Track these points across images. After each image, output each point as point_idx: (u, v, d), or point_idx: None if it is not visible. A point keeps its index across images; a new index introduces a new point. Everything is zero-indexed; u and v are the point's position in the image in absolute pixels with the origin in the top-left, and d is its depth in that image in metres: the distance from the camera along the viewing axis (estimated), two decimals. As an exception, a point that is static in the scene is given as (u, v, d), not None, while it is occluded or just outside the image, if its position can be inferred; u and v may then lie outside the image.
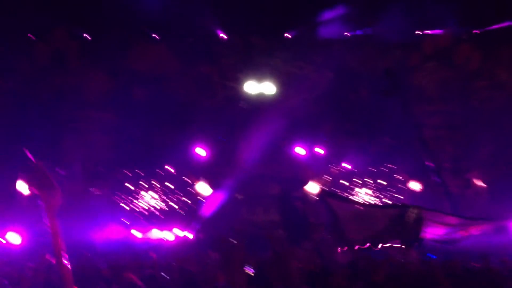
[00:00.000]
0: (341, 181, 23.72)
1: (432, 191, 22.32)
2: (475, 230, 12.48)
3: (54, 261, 4.10)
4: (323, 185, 22.95)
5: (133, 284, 9.16)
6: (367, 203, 21.22)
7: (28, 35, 22.69)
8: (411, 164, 23.92)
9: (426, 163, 22.11)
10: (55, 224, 3.47)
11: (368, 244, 11.58)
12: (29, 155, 3.49)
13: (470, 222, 12.82)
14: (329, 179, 23.62)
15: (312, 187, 22.73)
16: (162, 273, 11.85)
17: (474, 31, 23.49)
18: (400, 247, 11.82)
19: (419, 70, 23.59)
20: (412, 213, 10.82)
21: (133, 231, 20.35)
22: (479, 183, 23.21)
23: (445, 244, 12.65)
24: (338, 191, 22.81)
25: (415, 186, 23.36)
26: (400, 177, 24.03)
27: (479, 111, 23.47)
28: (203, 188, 22.95)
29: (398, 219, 10.99)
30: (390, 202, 22.34)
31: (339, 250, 12.06)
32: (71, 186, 21.90)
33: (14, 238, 16.61)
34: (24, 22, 21.31)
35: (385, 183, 24.01)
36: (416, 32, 23.67)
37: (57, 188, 3.54)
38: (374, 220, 11.36)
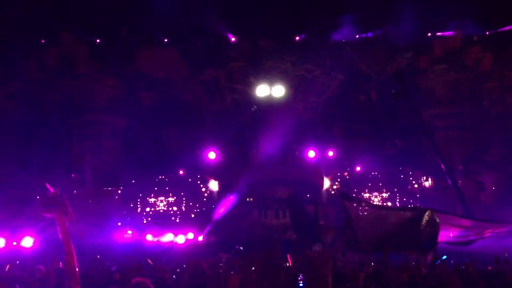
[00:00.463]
0: (352, 183, 23.67)
1: (444, 194, 22.20)
2: (488, 232, 12.38)
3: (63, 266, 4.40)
4: (334, 188, 22.92)
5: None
6: (381, 205, 21.12)
7: (38, 39, 22.77)
8: (422, 166, 23.85)
9: (439, 165, 22.02)
10: (67, 239, 4.12)
11: (384, 249, 11.47)
12: (48, 186, 3.89)
13: (482, 224, 12.71)
14: (340, 182, 23.58)
15: (323, 190, 22.70)
16: (174, 276, 11.82)
17: (484, 33, 23.37)
18: (418, 252, 11.71)
19: (429, 72, 23.50)
20: (428, 217, 10.68)
21: (146, 235, 20.34)
22: (491, 185, 23.08)
23: (458, 246, 12.56)
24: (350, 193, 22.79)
25: (426, 188, 23.28)
26: (412, 180, 23.96)
27: (489, 113, 23.36)
28: (214, 191, 22.97)
29: (413, 223, 10.87)
30: (403, 205, 22.20)
31: (352, 253, 12.00)
32: (83, 190, 21.98)
33: (26, 241, 16.65)
34: (34, 26, 21.40)
35: (396, 186, 23.95)
36: (426, 34, 23.58)
37: (71, 213, 4.04)
38: (388, 223, 11.25)
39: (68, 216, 4.13)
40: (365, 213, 12.09)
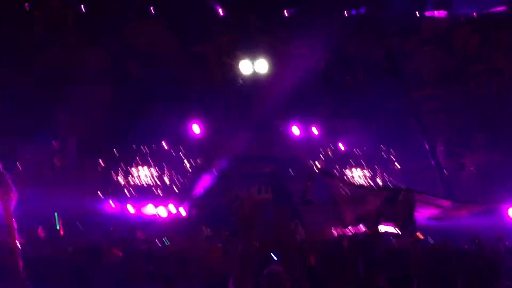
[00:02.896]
0: (335, 162, 23.78)
1: (427, 174, 22.41)
2: (466, 212, 12.56)
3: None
4: (317, 165, 23.02)
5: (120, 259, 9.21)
6: (361, 184, 21.28)
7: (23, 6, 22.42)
8: (406, 146, 24.00)
9: (422, 145, 22.17)
10: (10, 217, 4.17)
11: (361, 225, 11.65)
12: None
13: (461, 205, 12.89)
14: (323, 160, 23.67)
15: (307, 167, 22.78)
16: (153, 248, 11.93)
17: (472, 15, 23.32)
18: (394, 230, 11.89)
19: (416, 54, 23.47)
20: (405, 196, 10.84)
21: (127, 206, 20.36)
22: (472, 167, 23.29)
23: (437, 221, 12.76)
24: (333, 171, 22.91)
25: (409, 168, 23.42)
26: (395, 160, 24.11)
27: (476, 96, 23.45)
28: (197, 165, 23.00)
29: (391, 202, 11.02)
30: (385, 184, 22.40)
31: (332, 229, 12.13)
32: (65, 160, 21.90)
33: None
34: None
35: (380, 165, 24.10)
36: (414, 15, 23.51)
37: (14, 192, 4.03)
38: (367, 202, 11.40)
39: (11, 195, 4.11)
40: (346, 191, 12.23)
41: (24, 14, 22.34)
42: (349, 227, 11.91)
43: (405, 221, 10.78)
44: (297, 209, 14.97)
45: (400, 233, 11.69)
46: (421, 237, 11.43)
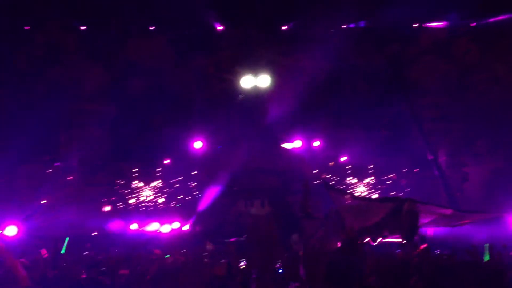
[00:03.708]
0: (337, 173, 23.77)
1: (429, 183, 22.36)
2: (470, 221, 12.53)
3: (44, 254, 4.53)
4: (320, 178, 22.97)
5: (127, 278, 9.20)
6: (363, 196, 21.23)
7: (24, 27, 22.54)
8: (409, 157, 23.97)
9: (424, 155, 22.14)
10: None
11: (367, 238, 11.61)
12: None
13: (463, 214, 12.85)
14: (326, 172, 23.66)
15: (309, 180, 22.74)
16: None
17: (472, 24, 23.38)
18: (400, 241, 11.87)
19: (417, 63, 23.51)
20: (409, 207, 10.83)
21: (131, 224, 20.34)
22: (476, 176, 23.22)
23: (440, 230, 12.76)
24: (335, 184, 22.89)
25: (411, 178, 23.41)
26: (397, 169, 24.08)
27: (477, 104, 23.43)
28: (200, 181, 23.00)
29: (395, 213, 11.02)
30: (388, 195, 22.33)
31: (334, 241, 12.07)
32: (68, 179, 21.93)
33: (9, 230, 16.60)
34: (19, 13, 21.20)
35: (382, 176, 24.07)
36: (414, 25, 23.57)
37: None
38: (370, 214, 11.39)
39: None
40: (349, 204, 12.22)
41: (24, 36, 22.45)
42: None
43: (410, 232, 10.76)
44: (298, 222, 14.95)
45: (404, 243, 11.68)
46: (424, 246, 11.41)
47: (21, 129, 20.05)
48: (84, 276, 10.51)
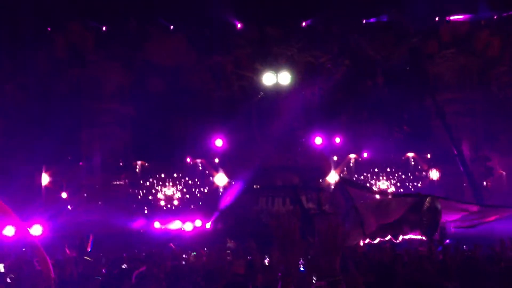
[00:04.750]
0: (359, 170, 23.67)
1: (452, 179, 22.14)
2: (493, 217, 12.32)
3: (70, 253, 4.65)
4: (341, 174, 22.92)
5: (155, 277, 9.22)
6: (384, 192, 21.05)
7: (46, 30, 22.80)
8: (430, 152, 23.79)
9: (447, 150, 21.91)
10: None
11: (388, 236, 11.50)
12: None
13: (488, 209, 12.65)
14: (347, 169, 23.59)
15: (330, 177, 22.72)
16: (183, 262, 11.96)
17: (492, 17, 23.07)
18: (421, 238, 11.75)
19: (438, 57, 23.30)
20: (429, 203, 10.68)
21: (154, 222, 20.48)
22: (500, 170, 22.97)
23: (464, 228, 12.57)
24: (357, 180, 22.81)
25: (434, 174, 23.23)
26: (419, 166, 23.92)
27: (498, 98, 23.15)
28: (221, 179, 23.10)
29: (415, 209, 10.89)
30: (410, 192, 22.15)
31: (360, 241, 12.00)
32: (91, 178, 22.16)
33: (35, 229, 16.85)
34: (42, 17, 21.45)
35: (404, 172, 23.93)
36: (434, 19, 23.33)
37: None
38: (391, 210, 11.27)
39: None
40: (368, 200, 12.12)
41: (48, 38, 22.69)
42: (371, 236, 11.73)
43: (431, 228, 10.64)
44: (312, 219, 14.94)
45: (425, 239, 11.56)
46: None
47: (45, 129, 20.29)
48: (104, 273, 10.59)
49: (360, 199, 11.79)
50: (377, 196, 12.97)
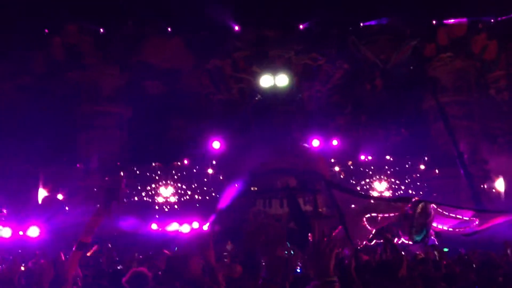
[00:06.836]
0: (356, 172, 23.67)
1: (449, 183, 22.14)
2: (490, 223, 12.26)
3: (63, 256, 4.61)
4: (341, 176, 22.91)
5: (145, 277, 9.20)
6: (373, 196, 21.00)
7: (44, 32, 22.81)
8: (427, 155, 23.80)
9: (445, 154, 21.93)
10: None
11: (374, 240, 11.39)
12: None
13: (484, 215, 12.58)
14: (344, 171, 23.59)
15: (328, 179, 22.70)
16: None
17: (489, 21, 23.13)
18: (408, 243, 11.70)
19: (435, 61, 23.36)
20: (421, 209, 10.58)
21: (151, 224, 20.47)
22: (498, 174, 22.98)
23: (459, 235, 12.51)
24: (355, 183, 22.80)
25: (431, 177, 23.23)
26: (417, 168, 23.92)
27: (496, 101, 23.20)
28: (218, 181, 23.09)
29: (406, 214, 10.77)
30: (403, 195, 22.13)
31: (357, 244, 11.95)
32: (89, 180, 22.14)
33: (32, 231, 16.83)
34: (39, 19, 21.47)
35: (401, 175, 23.92)
36: (432, 22, 23.38)
37: None
38: (381, 215, 11.16)
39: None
40: (355, 204, 11.97)
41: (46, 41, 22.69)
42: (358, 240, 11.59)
43: (421, 234, 10.57)
44: (309, 221, 14.91)
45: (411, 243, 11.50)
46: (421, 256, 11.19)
47: (42, 131, 20.30)
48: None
49: (347, 204, 11.62)
50: (364, 200, 12.90)
